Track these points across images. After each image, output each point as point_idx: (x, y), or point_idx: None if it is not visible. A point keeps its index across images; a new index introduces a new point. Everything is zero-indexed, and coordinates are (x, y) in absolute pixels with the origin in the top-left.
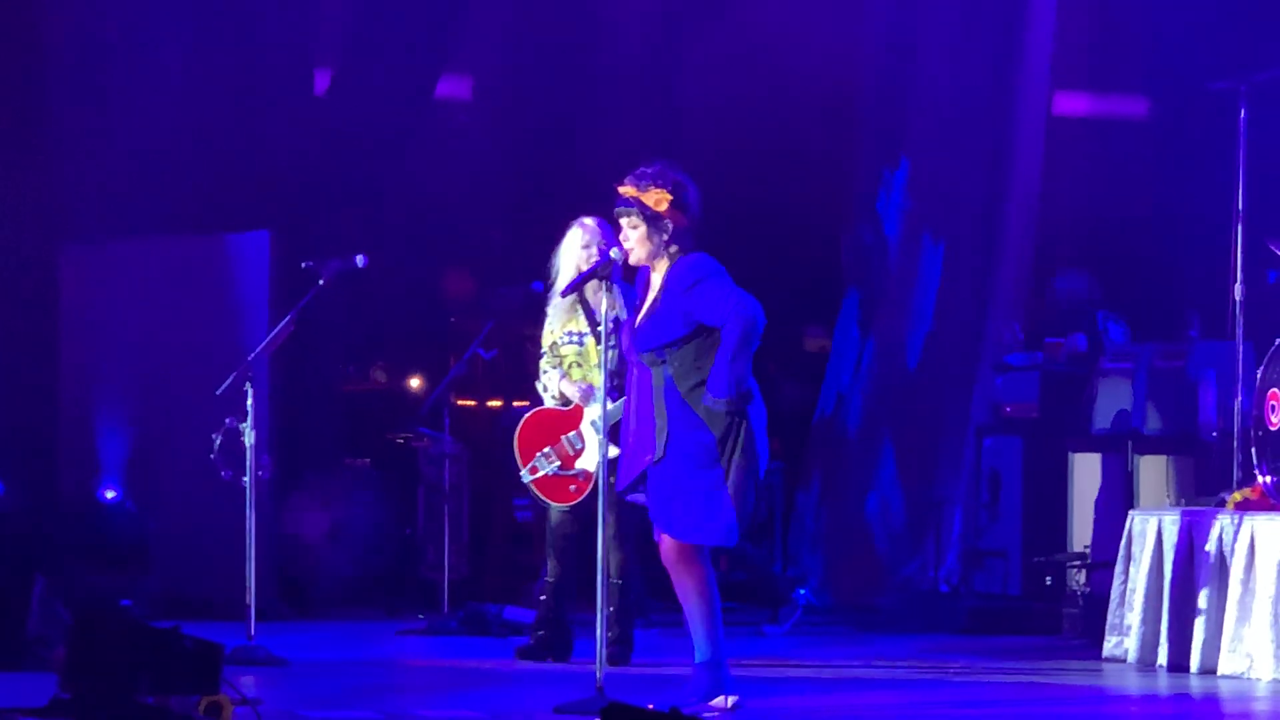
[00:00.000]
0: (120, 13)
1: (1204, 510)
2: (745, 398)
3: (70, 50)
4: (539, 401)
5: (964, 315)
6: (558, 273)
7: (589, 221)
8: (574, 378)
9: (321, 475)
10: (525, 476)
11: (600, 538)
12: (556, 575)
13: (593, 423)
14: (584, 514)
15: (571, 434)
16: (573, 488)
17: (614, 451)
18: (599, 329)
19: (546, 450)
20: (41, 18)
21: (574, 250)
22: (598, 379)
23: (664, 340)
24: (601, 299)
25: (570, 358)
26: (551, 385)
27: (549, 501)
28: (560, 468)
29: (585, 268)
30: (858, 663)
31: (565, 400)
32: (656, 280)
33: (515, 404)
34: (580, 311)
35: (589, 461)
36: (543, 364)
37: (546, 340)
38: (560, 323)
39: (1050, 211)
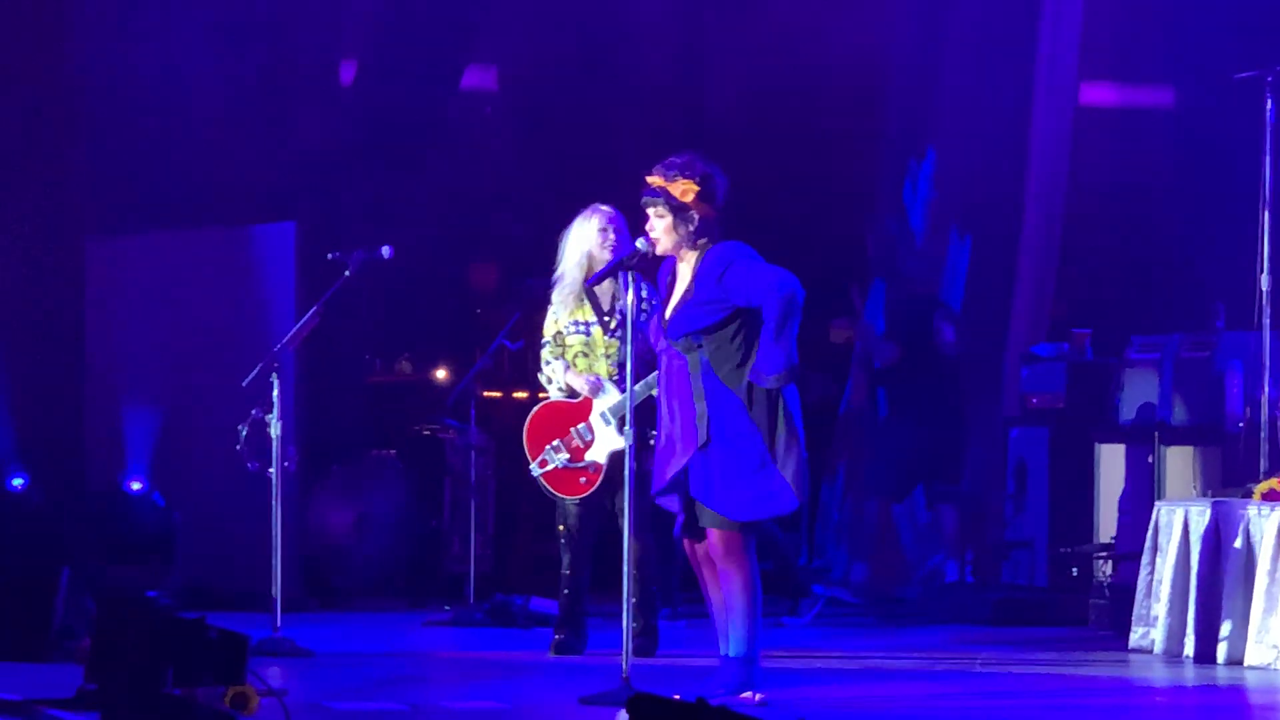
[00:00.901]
0: (146, 5)
1: (1230, 501)
2: (794, 372)
3: (95, 43)
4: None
5: (990, 306)
6: (563, 258)
7: (605, 208)
8: (579, 368)
9: (347, 467)
10: (534, 470)
11: (626, 527)
12: (571, 569)
13: (602, 414)
14: (594, 506)
15: (581, 426)
16: (583, 480)
17: (623, 442)
18: (606, 319)
19: (555, 443)
20: (66, 12)
21: (590, 236)
22: (604, 369)
23: (699, 326)
24: (611, 289)
25: (576, 347)
26: (556, 376)
27: (560, 495)
28: (570, 460)
29: (599, 253)
30: (883, 654)
31: (572, 392)
32: (686, 271)
33: (515, 395)
34: (586, 301)
35: (599, 453)
36: (545, 354)
37: (550, 330)
38: (566, 311)
39: (1076, 201)
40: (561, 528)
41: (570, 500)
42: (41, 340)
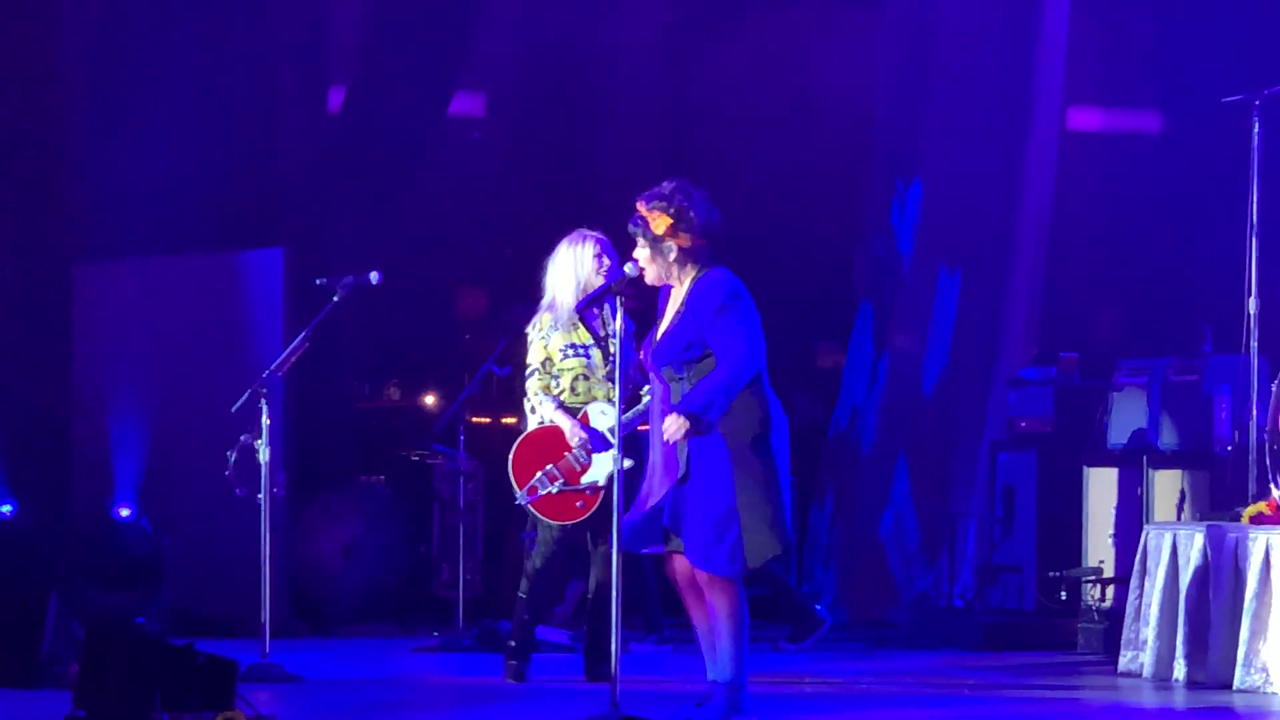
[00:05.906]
0: (135, 31)
1: (1219, 525)
2: (704, 427)
3: (85, 68)
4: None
5: (978, 330)
6: (554, 284)
7: (593, 234)
8: (579, 391)
9: (336, 492)
10: (521, 498)
11: (614, 551)
12: (531, 594)
13: (604, 435)
14: (574, 534)
15: (577, 450)
16: (579, 504)
17: (621, 464)
18: (605, 342)
19: (549, 468)
20: (56, 37)
21: (585, 262)
22: (602, 393)
23: (685, 358)
24: (602, 313)
25: (575, 370)
26: (545, 413)
27: (554, 522)
28: (565, 484)
29: (594, 279)
30: (872, 679)
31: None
32: (678, 296)
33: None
34: (580, 325)
35: (599, 474)
36: (534, 384)
37: (538, 356)
38: (560, 337)
39: (1063, 226)
40: (540, 555)
41: (554, 524)
42: (29, 367)
